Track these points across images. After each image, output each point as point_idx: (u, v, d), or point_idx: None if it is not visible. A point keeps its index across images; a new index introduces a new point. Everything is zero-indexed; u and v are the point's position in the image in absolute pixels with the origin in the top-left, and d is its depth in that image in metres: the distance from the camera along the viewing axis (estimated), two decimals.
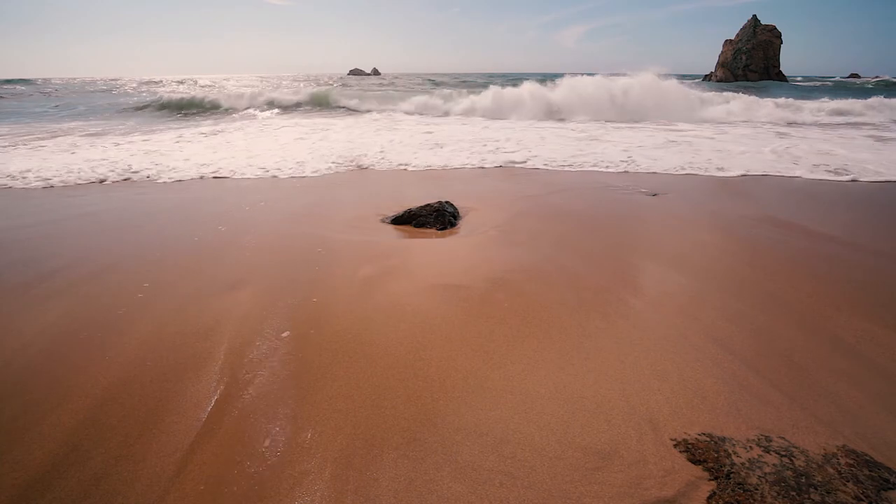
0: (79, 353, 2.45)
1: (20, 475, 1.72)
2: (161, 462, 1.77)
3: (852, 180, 6.60)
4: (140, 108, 18.98)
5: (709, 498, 1.59)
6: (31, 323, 2.76)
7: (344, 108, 19.11)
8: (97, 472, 1.73)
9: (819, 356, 2.41)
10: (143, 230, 4.47)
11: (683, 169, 7.27)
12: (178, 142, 10.09)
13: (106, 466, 1.76)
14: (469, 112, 17.01)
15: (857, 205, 5.38)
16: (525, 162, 7.82)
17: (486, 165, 7.61)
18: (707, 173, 7.10)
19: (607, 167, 7.43)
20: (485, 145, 9.44)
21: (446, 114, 17.10)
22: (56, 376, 2.26)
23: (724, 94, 19.81)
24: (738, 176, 6.91)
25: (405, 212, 4.74)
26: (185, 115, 17.37)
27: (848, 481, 1.63)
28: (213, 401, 2.09)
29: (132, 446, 1.85)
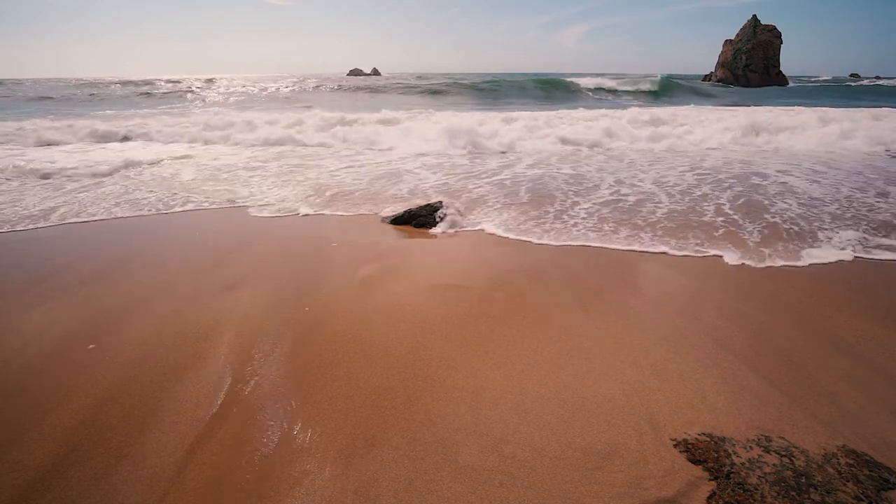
0: (79, 353, 2.45)
1: (20, 475, 1.72)
2: (161, 462, 1.77)
3: None
4: None
5: (709, 498, 1.59)
6: (31, 323, 2.76)
7: None
8: (97, 472, 1.73)
9: (819, 356, 2.41)
10: (142, 230, 4.47)
11: None
12: None
13: (106, 466, 1.76)
14: None
15: None
16: None
17: None
18: None
19: None
20: None
21: None
22: (56, 376, 2.26)
23: None
24: None
25: (405, 212, 4.74)
26: None
27: (848, 481, 1.63)
28: (213, 401, 2.09)
29: (132, 446, 1.85)
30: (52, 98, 23.46)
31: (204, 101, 23.62)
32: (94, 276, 3.40)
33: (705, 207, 5.03)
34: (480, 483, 1.67)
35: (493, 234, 4.28)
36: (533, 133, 10.34)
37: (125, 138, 10.86)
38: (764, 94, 32.03)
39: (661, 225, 4.46)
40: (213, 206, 5.25)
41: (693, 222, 4.53)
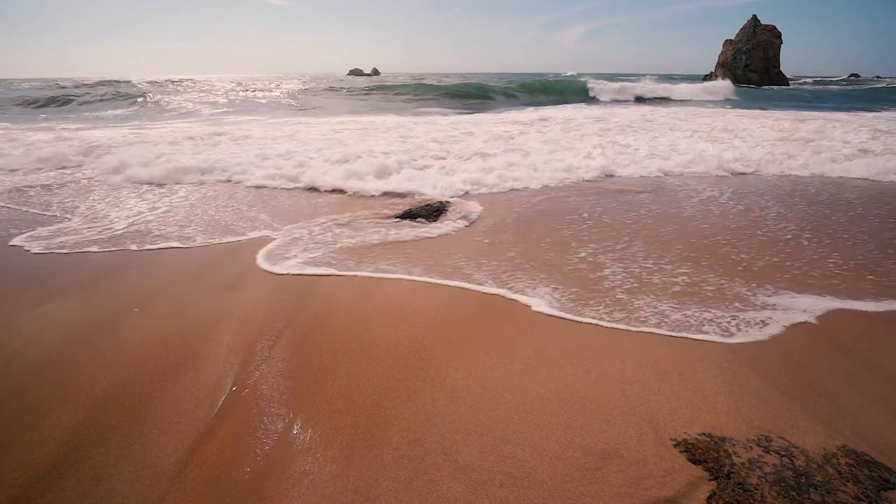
0: (79, 353, 2.45)
1: (20, 475, 1.72)
2: (161, 462, 1.77)
3: None
4: None
5: (709, 498, 1.59)
6: (31, 323, 2.76)
7: None
8: (97, 472, 1.73)
9: (819, 356, 2.41)
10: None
11: None
12: None
13: (106, 466, 1.76)
14: None
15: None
16: None
17: None
18: None
19: None
20: None
21: None
22: (56, 376, 2.26)
23: None
24: None
25: (405, 210, 4.74)
26: None
27: (848, 481, 1.63)
28: (214, 401, 2.09)
29: (132, 446, 1.85)
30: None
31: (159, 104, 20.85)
32: (95, 276, 3.39)
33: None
34: (480, 483, 1.67)
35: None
36: None
37: None
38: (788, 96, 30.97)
39: None
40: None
41: None
